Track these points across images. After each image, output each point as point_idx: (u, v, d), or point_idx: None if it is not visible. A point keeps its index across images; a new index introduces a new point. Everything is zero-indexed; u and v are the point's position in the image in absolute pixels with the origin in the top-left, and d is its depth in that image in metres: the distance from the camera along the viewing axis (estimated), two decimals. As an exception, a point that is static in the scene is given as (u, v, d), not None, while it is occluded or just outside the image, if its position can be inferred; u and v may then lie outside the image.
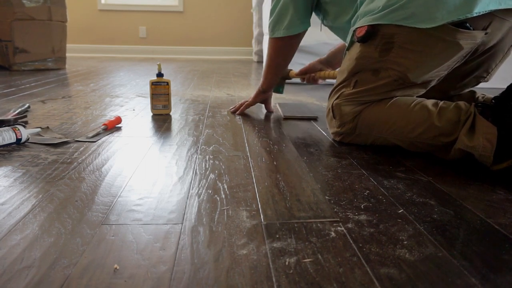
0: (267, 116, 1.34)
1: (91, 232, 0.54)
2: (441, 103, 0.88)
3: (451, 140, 0.84)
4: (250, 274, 0.45)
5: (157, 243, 0.51)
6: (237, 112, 1.36)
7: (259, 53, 3.96)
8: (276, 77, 1.32)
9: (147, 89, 1.88)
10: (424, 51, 0.87)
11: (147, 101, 1.56)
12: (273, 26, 1.19)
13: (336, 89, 1.03)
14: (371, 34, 0.90)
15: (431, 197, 0.68)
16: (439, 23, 0.82)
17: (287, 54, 1.25)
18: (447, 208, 0.64)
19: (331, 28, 1.23)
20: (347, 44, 1.03)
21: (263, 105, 1.46)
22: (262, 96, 1.37)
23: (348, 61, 1.00)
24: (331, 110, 1.02)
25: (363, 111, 0.96)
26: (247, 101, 1.38)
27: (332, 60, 1.40)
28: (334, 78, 1.38)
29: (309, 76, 1.42)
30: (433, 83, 0.95)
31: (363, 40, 0.92)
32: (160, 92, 1.31)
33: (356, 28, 0.94)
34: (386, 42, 0.90)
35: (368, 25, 0.91)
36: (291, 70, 1.42)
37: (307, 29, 1.19)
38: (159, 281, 0.43)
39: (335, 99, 1.01)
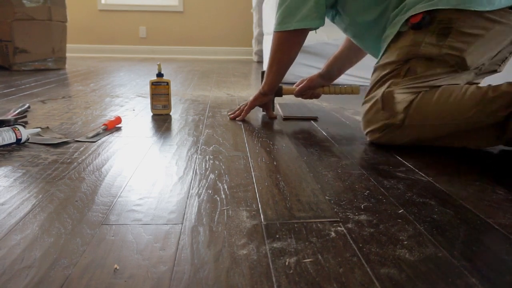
0: (263, 115, 1.34)
1: (91, 232, 0.54)
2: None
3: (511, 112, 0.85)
4: (250, 274, 0.45)
5: (157, 243, 0.51)
6: (238, 119, 1.26)
7: (259, 53, 3.96)
8: (279, 78, 1.22)
9: (147, 89, 1.88)
10: (482, 34, 0.88)
11: (147, 101, 1.56)
12: (284, 17, 1.08)
13: (383, 80, 0.98)
14: (428, 20, 0.89)
15: (431, 197, 0.68)
16: (498, 7, 0.83)
17: (292, 52, 1.16)
18: (447, 208, 0.64)
19: (346, 25, 1.15)
20: (358, 45, 1.02)
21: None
22: (262, 99, 1.27)
23: (397, 51, 0.96)
24: (380, 100, 0.96)
25: (415, 100, 0.93)
26: (246, 106, 1.28)
27: (332, 71, 1.34)
28: (343, 93, 1.33)
29: (311, 93, 1.34)
30: (479, 70, 0.96)
31: (419, 26, 0.90)
32: (160, 92, 1.31)
33: (410, 16, 0.92)
34: (443, 27, 0.89)
35: (424, 12, 0.90)
36: (282, 86, 1.31)
37: (320, 27, 1.09)
38: (159, 281, 0.43)
39: (386, 88, 0.96)
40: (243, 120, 1.26)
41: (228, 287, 0.42)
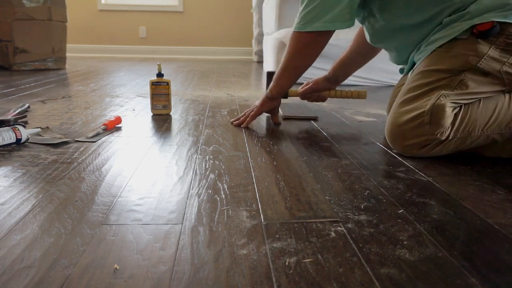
0: (267, 117, 1.34)
1: (91, 232, 0.54)
2: None
3: None
4: (250, 274, 0.45)
5: (157, 243, 0.51)
6: (243, 125, 1.17)
7: (259, 53, 3.96)
8: (291, 83, 1.13)
9: (147, 89, 1.88)
10: None
11: (147, 101, 1.56)
12: (311, 17, 0.98)
13: (429, 89, 0.89)
14: (498, 30, 0.84)
15: (431, 197, 0.68)
16: None
17: (312, 55, 1.06)
18: (447, 208, 0.64)
19: (378, 28, 1.05)
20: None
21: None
22: (270, 104, 1.18)
23: (450, 59, 0.88)
24: (428, 113, 0.87)
25: (459, 113, 0.88)
26: (252, 111, 1.19)
27: (338, 75, 1.28)
28: (349, 97, 1.29)
29: (317, 96, 1.29)
30: None
31: (486, 35, 0.84)
32: (160, 92, 1.31)
33: (476, 24, 0.86)
34: (510, 42, 0.84)
35: (494, 21, 0.84)
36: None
37: (350, 27, 0.99)
38: (159, 281, 0.43)
39: (436, 100, 0.87)
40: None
41: (228, 287, 0.42)
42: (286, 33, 2.30)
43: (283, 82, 1.12)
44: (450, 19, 0.91)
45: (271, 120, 1.24)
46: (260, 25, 3.76)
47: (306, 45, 1.03)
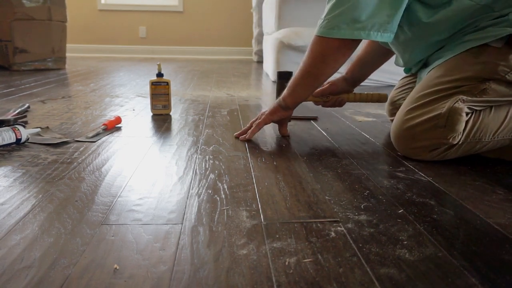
0: (279, 133, 1.20)
1: (91, 232, 0.54)
2: None
3: None
4: (250, 274, 0.45)
5: (157, 243, 0.51)
6: (247, 137, 1.02)
7: (259, 53, 3.96)
8: (308, 92, 1.00)
9: (147, 89, 1.88)
10: None
11: (147, 101, 1.56)
12: (341, 20, 0.84)
13: (447, 93, 0.85)
14: None
15: (431, 197, 0.68)
16: None
17: (338, 62, 0.92)
18: (447, 208, 0.64)
19: (401, 38, 0.97)
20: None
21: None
22: (281, 114, 1.02)
23: (476, 66, 0.84)
24: (445, 116, 0.83)
25: (471, 118, 0.85)
26: (259, 120, 1.03)
27: (356, 76, 1.17)
28: (369, 101, 1.18)
29: (335, 99, 1.15)
30: None
31: None
32: (160, 92, 1.31)
33: None
34: None
35: None
36: None
37: (388, 41, 0.88)
38: (159, 281, 0.43)
39: (453, 103, 0.83)
40: (244, 120, 1.26)
41: (228, 287, 0.42)
42: (286, 33, 2.30)
43: (299, 91, 0.98)
44: (485, 24, 0.85)
45: (279, 132, 1.09)
46: (260, 25, 3.76)
47: (332, 53, 0.90)
